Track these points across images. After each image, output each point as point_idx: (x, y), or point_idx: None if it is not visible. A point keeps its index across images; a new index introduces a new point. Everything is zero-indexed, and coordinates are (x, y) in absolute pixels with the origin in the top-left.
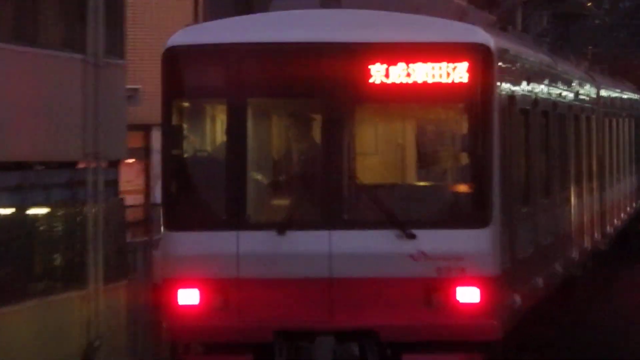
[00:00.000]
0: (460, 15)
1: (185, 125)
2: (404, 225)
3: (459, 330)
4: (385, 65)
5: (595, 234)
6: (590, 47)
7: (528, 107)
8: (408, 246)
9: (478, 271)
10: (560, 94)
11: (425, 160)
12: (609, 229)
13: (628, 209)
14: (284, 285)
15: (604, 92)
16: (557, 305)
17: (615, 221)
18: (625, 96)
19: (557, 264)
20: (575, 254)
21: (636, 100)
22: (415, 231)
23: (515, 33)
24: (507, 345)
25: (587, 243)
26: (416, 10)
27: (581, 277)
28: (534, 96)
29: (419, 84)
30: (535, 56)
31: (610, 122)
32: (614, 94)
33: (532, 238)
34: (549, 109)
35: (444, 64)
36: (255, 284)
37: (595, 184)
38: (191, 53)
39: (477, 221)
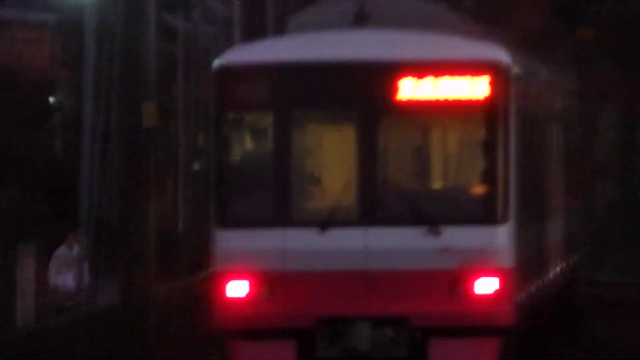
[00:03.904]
0: (476, 34)
1: (234, 135)
2: (431, 223)
3: (479, 316)
4: (413, 80)
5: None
6: None
7: (537, 116)
8: (435, 241)
9: (496, 264)
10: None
11: (451, 165)
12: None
13: None
14: (326, 277)
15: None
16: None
17: None
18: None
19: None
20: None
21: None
22: (441, 228)
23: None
24: (520, 331)
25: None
26: (443, 26)
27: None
28: (540, 107)
29: (445, 97)
30: (538, 68)
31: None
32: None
33: (538, 239)
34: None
35: (467, 79)
36: (300, 276)
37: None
38: (241, 70)
39: (496, 219)
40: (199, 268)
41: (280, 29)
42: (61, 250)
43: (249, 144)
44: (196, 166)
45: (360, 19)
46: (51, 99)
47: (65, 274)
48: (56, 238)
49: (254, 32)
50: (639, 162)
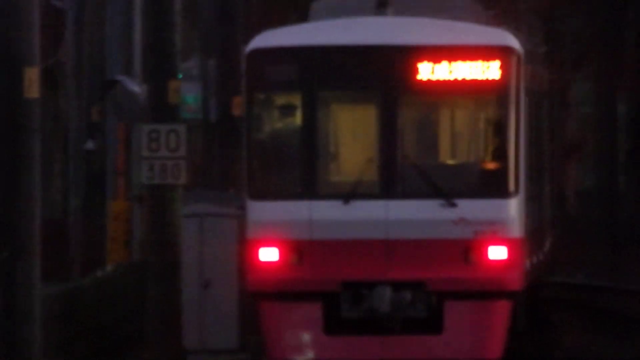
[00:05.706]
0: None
1: (264, 114)
2: (447, 196)
3: (491, 281)
4: (431, 64)
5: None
6: None
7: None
8: (450, 213)
9: (507, 233)
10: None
11: (466, 142)
12: None
13: None
14: (349, 245)
15: None
16: None
17: None
18: None
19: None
20: None
21: None
22: (456, 200)
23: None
24: (527, 295)
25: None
26: (452, 16)
27: None
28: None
29: (460, 79)
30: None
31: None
32: None
33: (541, 213)
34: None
35: (480, 63)
36: (325, 244)
37: None
38: (270, 54)
39: (507, 192)
40: (92, 266)
41: None
42: None
43: (278, 122)
44: (90, 145)
45: (382, 6)
46: None
47: None
48: None
49: None
50: (618, 140)
